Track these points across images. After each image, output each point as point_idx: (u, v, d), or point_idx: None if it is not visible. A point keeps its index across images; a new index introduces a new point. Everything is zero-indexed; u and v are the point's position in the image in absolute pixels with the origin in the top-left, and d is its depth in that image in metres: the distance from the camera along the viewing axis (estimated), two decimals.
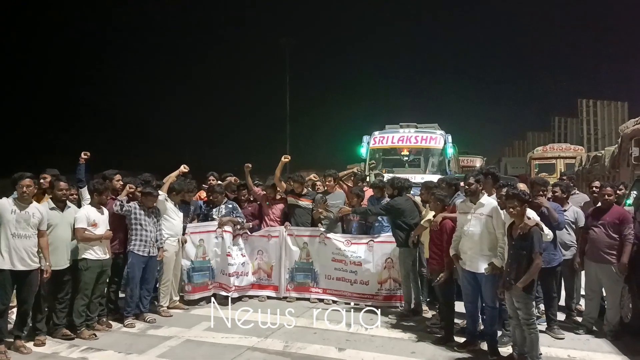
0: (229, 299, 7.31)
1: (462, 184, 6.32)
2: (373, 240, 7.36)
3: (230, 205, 7.65)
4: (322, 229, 7.59)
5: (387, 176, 8.64)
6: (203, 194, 8.27)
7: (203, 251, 7.46)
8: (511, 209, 4.81)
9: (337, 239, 7.53)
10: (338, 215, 7.61)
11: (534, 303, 4.82)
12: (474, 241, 5.30)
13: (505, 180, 5.95)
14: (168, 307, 6.89)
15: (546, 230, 4.98)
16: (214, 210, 7.60)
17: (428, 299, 7.08)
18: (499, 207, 5.26)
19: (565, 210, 6.23)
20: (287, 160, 7.93)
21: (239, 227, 7.57)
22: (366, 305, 7.18)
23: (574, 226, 6.29)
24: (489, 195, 5.49)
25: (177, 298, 7.11)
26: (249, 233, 7.72)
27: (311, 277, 7.63)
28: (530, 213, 5.03)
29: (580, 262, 6.21)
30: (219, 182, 8.43)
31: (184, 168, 7.35)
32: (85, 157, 6.55)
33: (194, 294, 7.32)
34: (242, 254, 7.62)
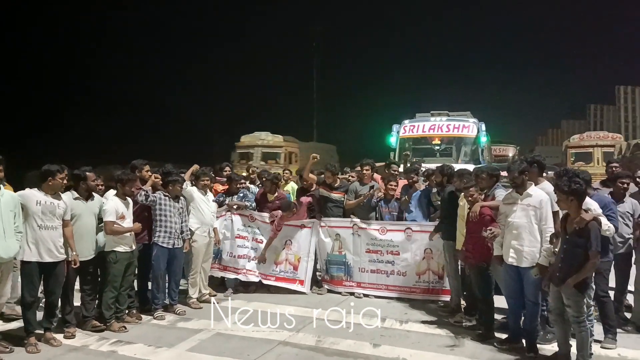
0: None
1: (502, 173, 6.04)
2: (411, 229, 7.11)
3: (242, 194, 7.72)
4: (355, 219, 7.37)
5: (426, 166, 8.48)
6: (219, 187, 8.15)
7: None
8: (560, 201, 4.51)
9: (371, 227, 7.31)
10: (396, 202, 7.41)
11: (585, 301, 4.50)
12: (518, 233, 5.00)
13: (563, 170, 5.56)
14: (198, 300, 6.78)
15: (606, 224, 4.63)
16: (228, 198, 7.68)
17: (465, 293, 6.82)
18: (549, 199, 4.95)
19: (623, 202, 5.86)
20: (315, 160, 7.71)
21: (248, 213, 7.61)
22: (401, 299, 6.99)
23: (632, 218, 5.87)
24: (536, 185, 5.18)
25: (207, 291, 6.99)
26: (255, 216, 7.63)
27: (344, 270, 7.43)
28: (591, 204, 4.70)
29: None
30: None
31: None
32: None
33: None
34: (255, 239, 7.61)
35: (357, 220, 7.36)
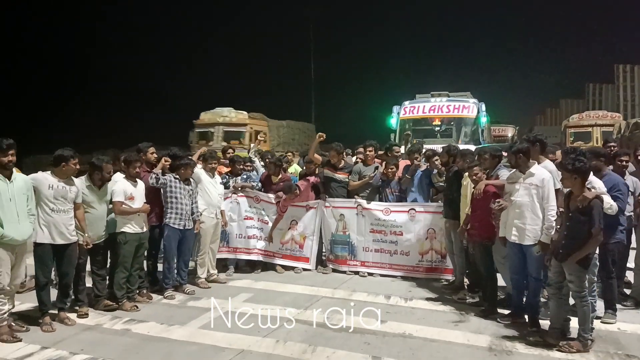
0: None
1: (504, 153, 6.12)
2: (415, 210, 7.21)
3: (245, 176, 7.81)
4: (359, 200, 7.46)
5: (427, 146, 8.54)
6: (223, 169, 8.24)
7: None
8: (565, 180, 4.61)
9: (376, 208, 7.40)
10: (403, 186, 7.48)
11: (587, 276, 4.62)
12: (521, 212, 5.10)
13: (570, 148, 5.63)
14: (207, 280, 6.91)
15: (608, 201, 4.72)
16: (232, 180, 7.77)
17: (467, 271, 6.95)
18: (551, 177, 5.04)
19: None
20: (321, 139, 7.76)
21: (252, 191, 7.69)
22: (405, 277, 7.13)
23: (632, 196, 5.93)
24: (538, 164, 5.27)
25: (215, 271, 7.12)
26: (261, 197, 7.71)
27: (348, 249, 7.55)
28: (595, 182, 4.78)
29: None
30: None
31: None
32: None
33: None
34: (262, 220, 7.70)
35: (361, 200, 7.45)
